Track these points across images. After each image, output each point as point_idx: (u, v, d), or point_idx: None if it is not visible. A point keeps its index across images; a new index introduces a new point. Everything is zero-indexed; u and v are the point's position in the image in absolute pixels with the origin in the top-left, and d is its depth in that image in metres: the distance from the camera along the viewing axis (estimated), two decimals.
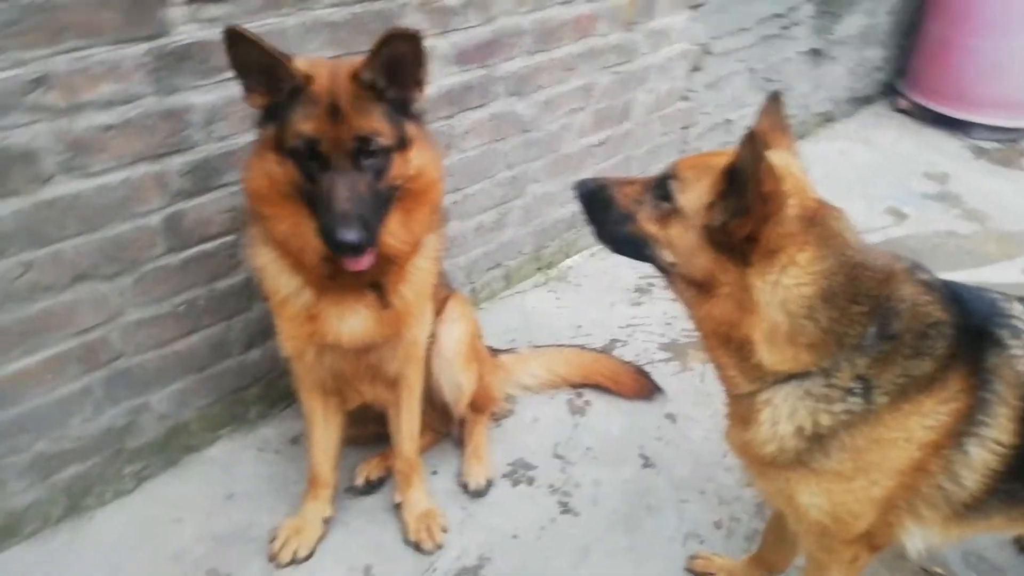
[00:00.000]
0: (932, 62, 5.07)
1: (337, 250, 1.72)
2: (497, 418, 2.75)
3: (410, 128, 1.83)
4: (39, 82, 1.83)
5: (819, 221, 1.50)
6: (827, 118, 5.15)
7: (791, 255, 1.47)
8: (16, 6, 1.73)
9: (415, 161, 1.84)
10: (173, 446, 2.52)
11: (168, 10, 1.97)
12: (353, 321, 1.97)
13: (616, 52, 3.31)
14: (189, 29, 2.02)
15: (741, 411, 1.67)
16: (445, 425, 2.61)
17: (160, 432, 2.47)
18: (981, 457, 1.51)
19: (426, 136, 1.91)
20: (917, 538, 1.64)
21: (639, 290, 3.49)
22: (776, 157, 1.53)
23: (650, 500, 2.48)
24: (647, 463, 2.62)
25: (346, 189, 1.70)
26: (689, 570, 2.25)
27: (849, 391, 1.50)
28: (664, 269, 1.67)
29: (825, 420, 1.52)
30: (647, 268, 3.63)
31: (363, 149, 1.72)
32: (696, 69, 3.81)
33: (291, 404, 2.70)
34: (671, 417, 2.81)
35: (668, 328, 3.25)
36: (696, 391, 2.91)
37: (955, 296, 1.58)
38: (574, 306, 3.40)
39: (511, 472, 2.56)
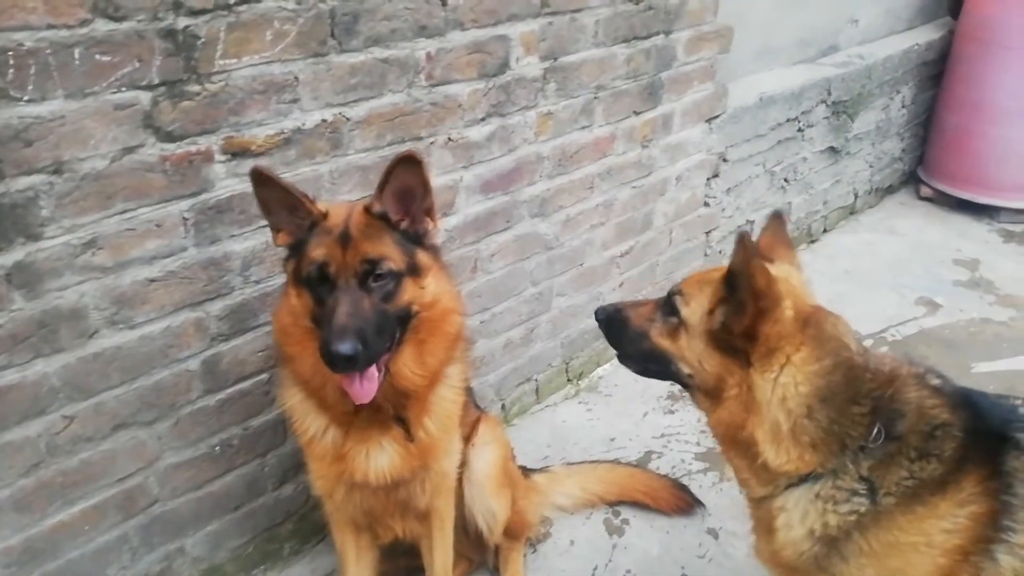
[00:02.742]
0: (952, 150, 5.13)
1: (332, 364, 1.70)
2: (533, 543, 2.71)
3: (423, 256, 1.88)
4: (90, 244, 1.94)
5: (815, 323, 1.59)
6: (850, 210, 5.20)
7: (788, 355, 1.56)
8: (74, 178, 1.86)
9: (430, 288, 1.88)
10: None
11: (211, 167, 2.10)
12: (380, 458, 1.98)
13: (635, 168, 3.42)
14: (229, 183, 2.14)
15: (763, 519, 1.71)
16: (480, 553, 2.58)
17: None
18: (1011, 564, 1.48)
19: (443, 268, 1.97)
20: None
21: (671, 397, 3.48)
22: (777, 268, 1.67)
23: None
24: None
25: (347, 305, 1.73)
26: None
27: (854, 492, 1.54)
28: (684, 383, 1.76)
29: (833, 520, 1.56)
30: None
31: (370, 272, 1.77)
32: (715, 176, 3.90)
33: (323, 539, 2.70)
34: (712, 532, 2.76)
35: (703, 436, 3.22)
36: (736, 503, 2.82)
37: (969, 401, 1.60)
38: (606, 417, 3.39)
39: None
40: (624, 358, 1.94)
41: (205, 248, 2.16)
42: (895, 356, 1.68)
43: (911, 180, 5.60)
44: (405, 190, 1.84)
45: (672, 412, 3.40)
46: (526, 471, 2.79)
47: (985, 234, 4.92)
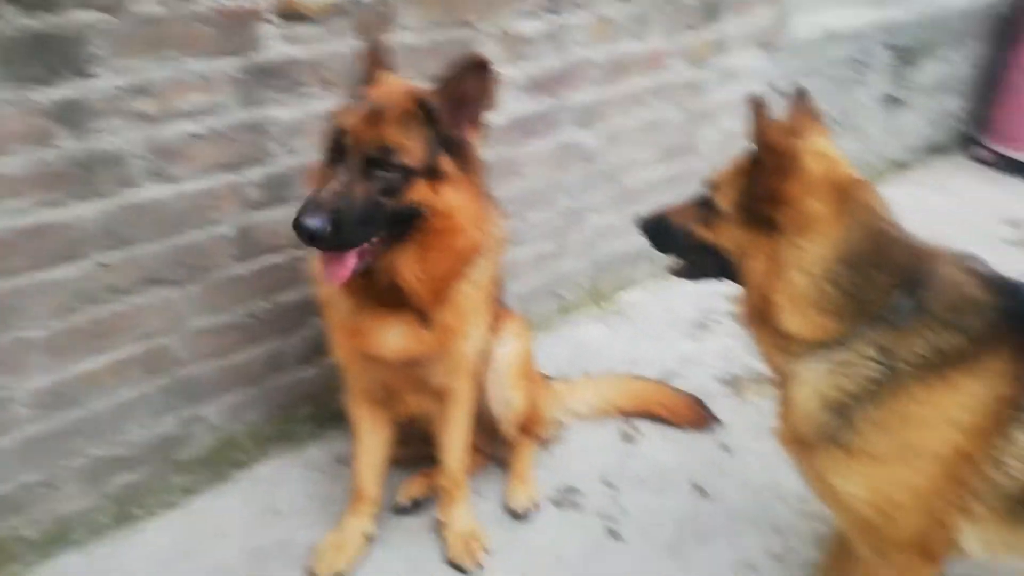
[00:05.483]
0: (1017, 111, 4.93)
1: (298, 235, 1.66)
2: (546, 444, 2.73)
3: (447, 164, 1.77)
4: (137, 90, 1.94)
5: (846, 189, 1.57)
6: (901, 165, 5.05)
7: (815, 219, 1.54)
8: (128, 19, 1.85)
9: (447, 199, 1.77)
10: (222, 460, 2.56)
11: (262, 26, 2.07)
12: (393, 336, 1.96)
13: (686, 88, 3.33)
14: (278, 46, 2.13)
15: (784, 397, 1.70)
16: (491, 447, 2.61)
17: (211, 445, 2.53)
18: None
19: (474, 183, 1.85)
20: (973, 540, 1.58)
21: (698, 325, 3.45)
22: (810, 142, 1.65)
23: (702, 529, 2.43)
24: (699, 492, 2.57)
25: (336, 184, 1.67)
26: None
27: (869, 358, 1.52)
28: (732, 275, 1.75)
29: (845, 385, 1.54)
30: (705, 303, 3.60)
31: (380, 160, 1.70)
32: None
33: (340, 425, 2.69)
34: (726, 448, 2.76)
35: (726, 363, 3.20)
36: (754, 424, 2.84)
37: (1013, 288, 1.56)
38: (629, 339, 3.38)
39: (558, 497, 2.54)
40: (675, 269, 1.95)
41: (248, 110, 2.16)
42: (938, 242, 1.62)
43: (966, 143, 5.40)
44: (465, 94, 1.75)
45: (696, 340, 3.38)
46: (546, 378, 2.79)
47: None
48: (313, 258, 2.03)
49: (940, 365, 1.47)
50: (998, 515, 1.54)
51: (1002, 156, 5.07)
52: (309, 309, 2.54)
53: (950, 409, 1.48)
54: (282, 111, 2.22)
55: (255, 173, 2.25)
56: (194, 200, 2.16)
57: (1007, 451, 1.47)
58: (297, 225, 1.64)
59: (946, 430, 1.48)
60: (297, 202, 2.29)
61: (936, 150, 5.28)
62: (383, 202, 1.72)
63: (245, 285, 2.38)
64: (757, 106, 1.55)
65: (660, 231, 1.90)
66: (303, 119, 2.26)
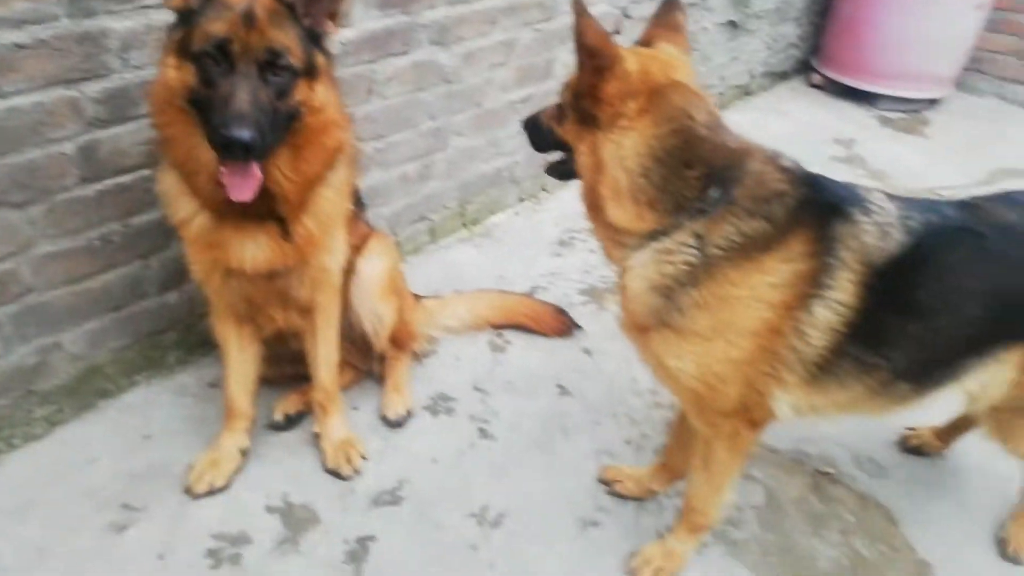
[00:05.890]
0: (843, 38, 5.34)
1: (227, 150, 1.66)
2: (419, 358, 2.81)
3: (320, 59, 1.83)
4: None
5: (664, 92, 1.65)
6: (745, 91, 5.37)
7: (630, 117, 1.64)
8: None
9: (320, 95, 1.83)
10: (87, 390, 2.48)
11: None
12: (253, 248, 1.96)
13: (538, 8, 3.40)
14: None
15: (622, 288, 1.81)
16: (366, 362, 2.66)
17: (73, 374, 2.44)
18: (825, 317, 1.64)
19: (334, 79, 1.92)
20: (784, 405, 1.78)
21: (561, 243, 3.60)
22: (658, 49, 1.74)
23: (565, 424, 2.60)
24: (563, 392, 2.74)
25: (247, 92, 1.67)
26: (601, 480, 2.38)
27: (686, 245, 1.65)
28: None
29: (668, 270, 1.67)
30: (568, 223, 3.75)
31: (272, 63, 1.72)
32: (617, 32, 3.93)
33: (210, 351, 2.68)
34: (587, 351, 2.94)
35: (587, 276, 3.37)
36: (611, 330, 3.01)
37: (814, 181, 1.72)
38: (497, 259, 3.49)
39: (431, 404, 2.64)
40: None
41: (79, 20, 2.04)
42: (751, 140, 1.74)
43: (804, 69, 5.80)
44: None
45: (560, 256, 3.53)
46: (417, 297, 2.85)
47: (865, 119, 5.21)
48: (162, 176, 1.98)
49: (749, 249, 1.62)
50: (803, 381, 1.73)
51: (832, 81, 5.48)
52: (167, 232, 2.46)
53: (759, 288, 1.64)
54: (116, 22, 2.10)
55: (93, 88, 2.13)
56: (27, 116, 2.03)
57: (808, 323, 1.65)
58: (227, 139, 1.63)
59: (756, 307, 1.65)
60: (142, 120, 2.25)
61: (777, 76, 5.64)
62: (279, 106, 1.75)
63: (94, 207, 2.27)
64: (579, 7, 1.60)
65: (534, 129, 1.97)
66: (141, 31, 2.16)
